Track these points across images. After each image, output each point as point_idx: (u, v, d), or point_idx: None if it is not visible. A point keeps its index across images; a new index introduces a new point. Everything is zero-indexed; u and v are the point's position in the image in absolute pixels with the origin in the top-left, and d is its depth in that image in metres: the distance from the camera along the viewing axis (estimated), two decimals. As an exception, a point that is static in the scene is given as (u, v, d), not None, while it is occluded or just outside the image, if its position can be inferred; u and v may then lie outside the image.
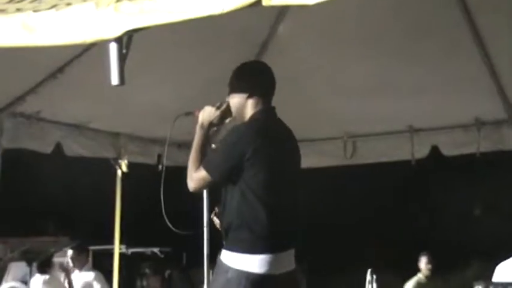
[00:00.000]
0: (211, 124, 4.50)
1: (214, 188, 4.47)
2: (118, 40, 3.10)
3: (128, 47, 3.17)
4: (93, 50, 5.70)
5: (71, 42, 3.17)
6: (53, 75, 6.18)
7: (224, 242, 4.30)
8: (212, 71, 6.67)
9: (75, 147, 7.15)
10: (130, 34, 3.08)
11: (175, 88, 6.51)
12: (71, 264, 9.23)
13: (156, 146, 7.65)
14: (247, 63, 4.76)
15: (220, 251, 4.30)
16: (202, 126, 4.47)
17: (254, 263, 4.15)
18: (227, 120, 4.55)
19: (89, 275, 9.23)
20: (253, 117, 4.41)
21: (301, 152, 7.57)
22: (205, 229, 8.61)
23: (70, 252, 9.21)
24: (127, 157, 7.57)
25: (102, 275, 9.31)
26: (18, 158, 7.09)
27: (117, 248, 8.00)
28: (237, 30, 6.18)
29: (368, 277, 5.95)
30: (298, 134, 7.80)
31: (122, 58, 3.13)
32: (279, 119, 4.55)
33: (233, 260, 4.19)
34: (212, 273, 4.47)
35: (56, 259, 9.38)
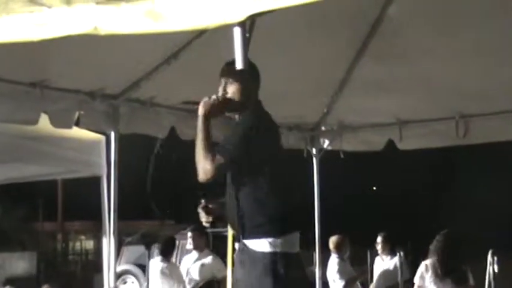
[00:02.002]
0: (212, 115, 4.46)
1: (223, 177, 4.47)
2: (241, 24, 3.12)
3: (251, 31, 3.19)
4: (206, 35, 5.77)
5: (195, 27, 3.21)
6: (167, 61, 6.29)
7: (241, 232, 4.37)
8: (324, 55, 6.69)
9: (189, 132, 7.24)
10: (253, 18, 3.09)
11: (287, 71, 6.52)
12: (191, 246, 9.33)
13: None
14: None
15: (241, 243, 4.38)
16: (206, 117, 4.43)
17: (284, 244, 4.33)
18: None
19: (208, 259, 9.32)
20: (256, 108, 4.49)
21: (415, 132, 7.52)
22: (316, 210, 8.73)
23: (190, 234, 9.30)
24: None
25: (220, 259, 9.38)
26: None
27: (230, 231, 8.05)
28: (348, 13, 6.16)
29: (489, 258, 5.87)
30: (410, 115, 7.82)
31: (246, 42, 3.15)
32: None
33: (264, 245, 4.32)
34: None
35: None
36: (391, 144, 8.16)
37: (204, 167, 4.29)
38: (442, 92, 7.25)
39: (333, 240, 9.93)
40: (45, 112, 6.17)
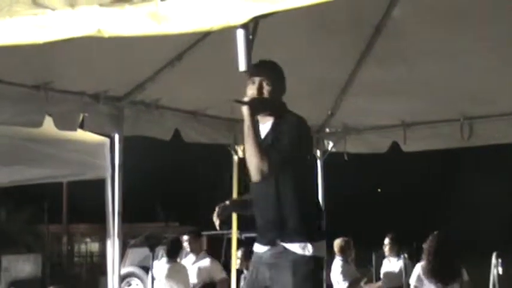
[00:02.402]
0: (257, 113, 4.46)
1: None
2: (245, 26, 3.11)
3: (254, 33, 3.19)
4: (210, 38, 5.78)
5: (198, 29, 3.20)
6: (171, 63, 6.30)
7: (279, 235, 4.38)
8: (328, 56, 6.69)
9: (192, 134, 7.27)
10: (256, 20, 3.09)
11: (292, 73, 6.50)
12: (188, 248, 9.36)
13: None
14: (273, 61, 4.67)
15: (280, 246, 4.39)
16: (253, 117, 4.40)
17: (321, 248, 4.45)
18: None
19: (204, 261, 9.34)
20: (291, 113, 4.54)
21: (419, 135, 7.52)
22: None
23: (186, 237, 9.33)
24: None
25: (218, 261, 9.43)
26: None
27: (234, 233, 8.09)
28: (352, 15, 6.16)
29: (493, 260, 5.86)
30: (414, 117, 7.81)
31: (249, 44, 3.14)
32: None
33: (306, 249, 4.37)
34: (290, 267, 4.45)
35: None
36: (394, 146, 8.16)
37: (258, 166, 4.26)
38: (446, 94, 7.24)
39: (337, 243, 9.99)
40: (50, 114, 6.18)
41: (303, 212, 4.40)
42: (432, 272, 6.82)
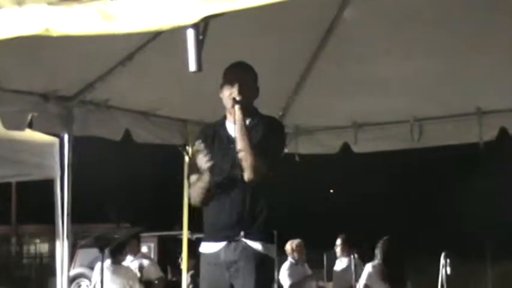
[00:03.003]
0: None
1: None
2: (195, 26, 3.10)
3: (204, 33, 3.18)
4: (161, 38, 5.74)
5: (148, 29, 3.18)
6: (121, 63, 6.25)
7: (248, 232, 4.44)
8: (279, 57, 6.69)
9: (143, 134, 7.21)
10: (207, 20, 3.08)
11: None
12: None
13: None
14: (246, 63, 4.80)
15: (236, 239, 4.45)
16: (244, 119, 4.50)
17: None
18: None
19: (143, 262, 9.47)
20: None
21: (370, 135, 7.57)
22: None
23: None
24: (194, 143, 7.58)
25: (155, 262, 9.58)
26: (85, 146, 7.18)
27: (185, 234, 8.05)
28: (303, 15, 6.17)
29: (442, 261, 5.91)
30: (366, 117, 7.85)
31: (199, 44, 3.13)
32: None
33: (273, 251, 4.51)
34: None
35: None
36: (346, 147, 8.20)
37: (255, 166, 4.35)
38: (396, 95, 7.29)
39: (288, 245, 10.12)
40: (-3, 114, 6.09)
41: (270, 213, 4.47)
42: (382, 275, 6.94)
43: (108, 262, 8.87)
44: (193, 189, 4.59)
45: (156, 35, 5.62)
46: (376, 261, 7.28)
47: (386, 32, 6.37)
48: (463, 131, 7.63)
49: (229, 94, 4.53)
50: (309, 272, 10.54)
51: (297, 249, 10.25)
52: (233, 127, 4.52)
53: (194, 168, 4.49)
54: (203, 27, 3.18)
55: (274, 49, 6.49)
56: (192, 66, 3.18)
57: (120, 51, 6.16)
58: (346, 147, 8.19)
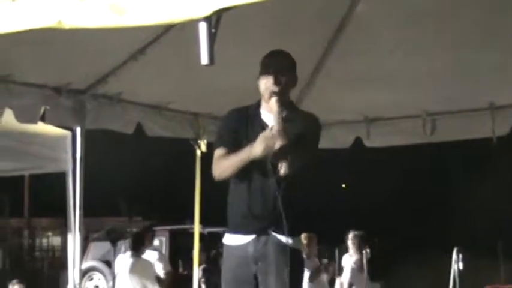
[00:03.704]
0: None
1: None
2: (207, 19, 3.10)
3: (217, 27, 3.17)
4: (173, 31, 5.74)
5: (160, 22, 3.19)
6: (134, 57, 6.25)
7: (283, 226, 4.36)
8: (290, 51, 6.67)
9: (155, 128, 7.22)
10: (219, 13, 3.08)
11: (255, 68, 6.50)
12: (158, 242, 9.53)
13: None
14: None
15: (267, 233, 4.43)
16: (281, 112, 4.37)
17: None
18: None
19: (151, 256, 9.50)
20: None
21: (382, 130, 7.55)
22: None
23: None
24: (206, 137, 7.60)
25: (163, 254, 9.59)
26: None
27: (197, 228, 8.06)
28: (315, 10, 6.16)
29: (454, 256, 5.89)
30: (378, 112, 7.83)
31: (212, 38, 3.13)
32: None
33: (299, 243, 4.60)
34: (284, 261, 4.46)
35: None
36: (359, 141, 8.19)
37: (292, 162, 4.26)
38: (409, 89, 7.27)
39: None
40: (10, 107, 6.11)
41: (295, 208, 4.44)
42: (361, 268, 7.04)
43: (128, 254, 8.90)
44: (230, 161, 4.44)
45: (169, 28, 5.62)
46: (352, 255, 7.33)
47: (397, 26, 6.34)
48: (476, 125, 7.60)
49: (265, 83, 4.46)
50: (318, 264, 10.56)
51: (307, 242, 10.24)
52: (268, 117, 4.44)
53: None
54: (215, 20, 3.18)
55: (285, 44, 6.46)
56: (205, 60, 3.18)
57: (133, 45, 6.16)
58: (358, 141, 8.17)
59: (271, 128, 4.28)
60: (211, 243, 13.87)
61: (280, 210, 4.31)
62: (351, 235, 10.27)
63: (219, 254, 14.70)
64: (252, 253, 4.41)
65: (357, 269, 7.25)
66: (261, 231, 4.40)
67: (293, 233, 4.40)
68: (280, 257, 4.36)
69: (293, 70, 4.58)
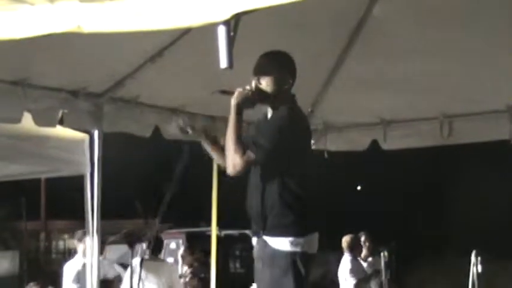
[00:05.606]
0: (245, 106, 4.52)
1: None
2: (226, 23, 3.10)
3: (235, 30, 3.17)
4: (191, 34, 5.75)
5: (179, 26, 3.19)
6: (151, 60, 6.26)
7: (262, 229, 4.41)
8: (308, 53, 6.67)
9: (172, 131, 7.22)
10: (238, 17, 3.08)
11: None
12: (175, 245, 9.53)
13: (254, 129, 7.67)
14: (280, 51, 4.76)
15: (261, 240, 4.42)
16: (238, 107, 4.48)
17: (304, 244, 4.38)
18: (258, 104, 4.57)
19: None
20: (291, 105, 4.63)
21: (399, 132, 7.52)
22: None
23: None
24: (223, 140, 7.57)
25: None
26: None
27: (214, 230, 8.07)
28: (332, 12, 6.15)
29: (473, 259, 5.87)
30: (394, 114, 7.81)
31: (230, 41, 3.13)
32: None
33: (285, 244, 4.36)
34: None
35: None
36: (376, 143, 8.16)
37: (233, 160, 4.30)
38: (426, 91, 7.25)
39: (345, 240, 10.11)
40: (28, 111, 6.13)
41: (287, 208, 4.37)
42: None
43: (148, 257, 8.92)
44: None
45: (186, 31, 5.63)
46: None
47: (414, 29, 6.33)
48: (493, 128, 7.56)
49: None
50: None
51: (353, 244, 10.14)
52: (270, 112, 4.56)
53: None
54: (234, 24, 3.18)
55: (303, 45, 6.47)
56: (223, 63, 3.19)
57: (150, 48, 6.17)
58: (374, 144, 8.15)
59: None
60: (227, 245, 13.92)
61: (262, 212, 4.39)
62: (363, 238, 10.30)
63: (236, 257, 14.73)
64: (256, 254, 4.57)
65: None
66: (257, 234, 4.51)
67: (275, 234, 4.39)
68: (265, 258, 4.43)
69: (278, 71, 4.63)
